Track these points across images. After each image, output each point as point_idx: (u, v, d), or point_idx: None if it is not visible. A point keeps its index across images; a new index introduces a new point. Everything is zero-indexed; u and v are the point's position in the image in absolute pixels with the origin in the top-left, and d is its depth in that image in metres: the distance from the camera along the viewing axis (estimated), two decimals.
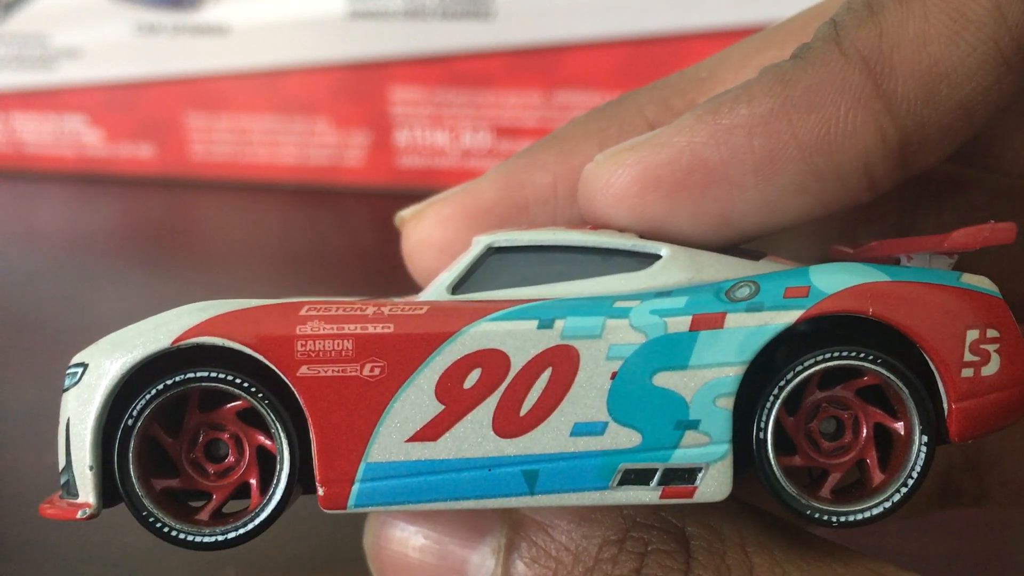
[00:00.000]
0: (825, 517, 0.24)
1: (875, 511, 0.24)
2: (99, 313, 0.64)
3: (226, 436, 0.25)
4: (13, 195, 0.80)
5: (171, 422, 0.25)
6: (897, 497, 0.24)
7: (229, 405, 0.25)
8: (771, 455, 0.24)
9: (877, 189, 0.26)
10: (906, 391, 0.25)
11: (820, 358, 0.25)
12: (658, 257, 0.26)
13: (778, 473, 0.24)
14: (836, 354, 0.25)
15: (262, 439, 0.25)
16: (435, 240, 0.30)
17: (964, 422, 0.24)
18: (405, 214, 0.32)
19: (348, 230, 0.75)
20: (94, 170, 0.79)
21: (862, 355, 0.25)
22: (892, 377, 0.25)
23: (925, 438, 0.25)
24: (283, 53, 0.73)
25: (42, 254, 0.74)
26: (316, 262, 0.70)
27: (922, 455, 0.24)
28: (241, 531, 0.25)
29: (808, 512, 0.24)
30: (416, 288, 0.29)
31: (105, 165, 0.79)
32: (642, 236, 0.26)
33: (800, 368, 0.25)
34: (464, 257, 0.26)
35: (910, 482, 0.24)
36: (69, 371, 0.26)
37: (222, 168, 0.77)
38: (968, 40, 0.25)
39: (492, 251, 0.27)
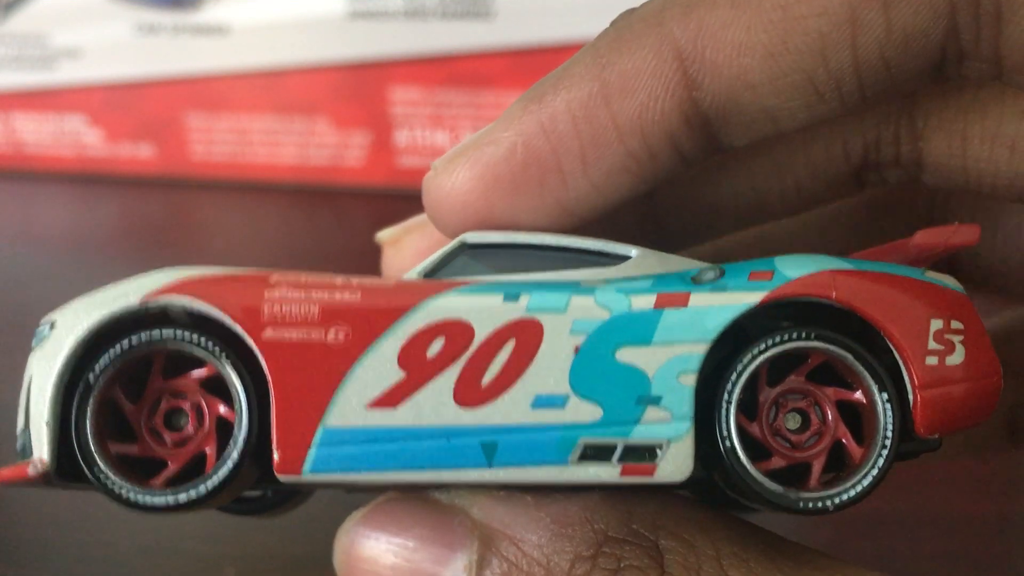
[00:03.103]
0: (820, 504, 0.24)
1: (865, 483, 0.24)
2: None
3: (187, 405, 0.25)
4: (13, 195, 0.80)
5: (134, 389, 0.25)
6: (881, 462, 0.24)
7: (194, 373, 0.25)
8: (744, 460, 0.24)
9: (690, 164, 0.27)
10: (849, 356, 0.25)
11: (757, 351, 0.25)
12: (628, 257, 0.26)
13: (758, 476, 0.24)
14: (771, 342, 0.25)
15: (222, 410, 0.25)
16: (408, 267, 0.30)
17: (930, 412, 0.24)
18: (384, 237, 0.32)
19: (348, 230, 0.75)
20: (94, 170, 0.79)
21: (795, 335, 0.25)
22: (831, 347, 0.24)
23: (885, 395, 0.24)
24: (283, 53, 0.73)
25: (42, 254, 0.74)
26: (316, 262, 0.70)
27: (889, 413, 0.24)
28: (192, 493, 0.24)
29: (801, 505, 0.24)
30: None
31: (105, 165, 0.79)
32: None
33: (741, 368, 0.24)
34: (439, 251, 0.27)
35: (887, 442, 0.24)
36: (38, 331, 0.25)
37: (222, 168, 0.77)
38: (782, 65, 0.25)
39: (466, 246, 0.27)
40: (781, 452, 0.25)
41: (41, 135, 0.79)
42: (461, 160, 0.27)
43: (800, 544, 0.25)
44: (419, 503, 0.26)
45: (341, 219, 0.75)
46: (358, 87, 0.73)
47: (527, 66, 0.69)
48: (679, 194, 0.32)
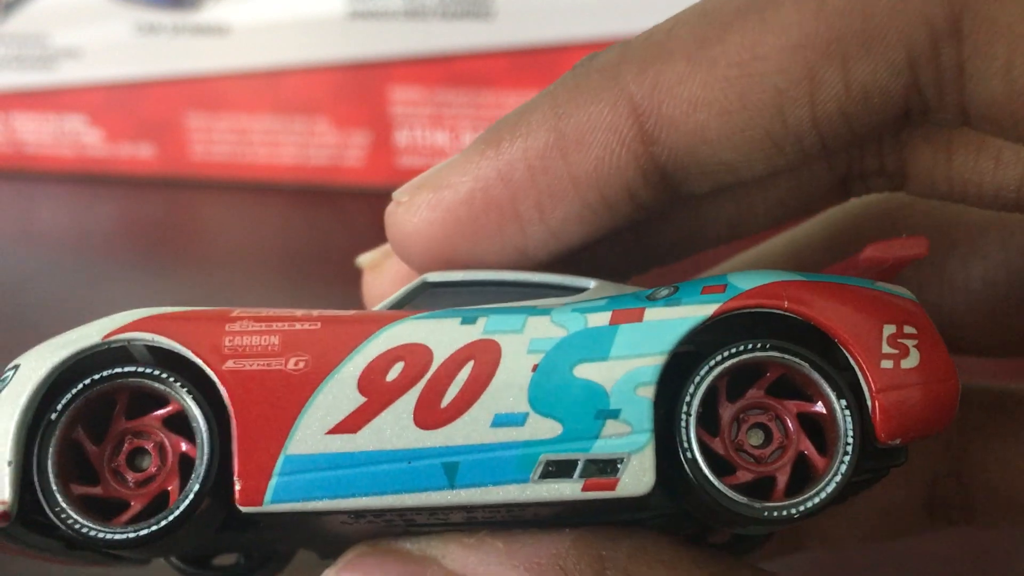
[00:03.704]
0: (784, 513, 0.24)
1: (828, 489, 0.24)
2: (99, 313, 0.64)
3: (150, 445, 0.25)
4: (13, 195, 0.80)
5: (97, 431, 0.25)
6: (843, 468, 0.24)
7: (156, 412, 0.25)
8: (706, 471, 0.24)
9: (647, 211, 0.27)
10: (805, 365, 0.25)
11: (713, 362, 0.25)
12: (586, 289, 0.27)
13: (721, 488, 0.24)
14: (727, 353, 0.25)
15: (185, 447, 0.25)
16: (388, 294, 0.30)
17: (889, 416, 0.24)
18: (364, 262, 0.32)
19: (348, 230, 0.75)
20: (94, 170, 0.79)
21: (750, 346, 0.25)
22: (786, 357, 0.25)
23: (843, 401, 0.24)
24: (283, 53, 0.73)
25: (42, 254, 0.74)
26: (316, 262, 0.70)
27: (848, 420, 0.24)
28: (154, 528, 0.24)
29: (766, 514, 0.24)
30: None
31: (105, 165, 0.79)
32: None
33: (699, 380, 0.24)
34: (402, 289, 0.27)
35: (848, 449, 0.24)
36: (3, 375, 0.25)
37: (222, 168, 0.77)
38: (738, 121, 0.25)
39: (427, 284, 0.27)
40: (745, 467, 0.25)
41: (41, 135, 0.79)
42: (422, 200, 0.28)
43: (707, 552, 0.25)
44: (390, 555, 0.26)
45: (341, 219, 0.75)
46: (358, 87, 0.73)
47: (527, 66, 0.69)
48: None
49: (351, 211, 0.75)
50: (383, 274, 0.31)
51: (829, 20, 0.24)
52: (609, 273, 0.32)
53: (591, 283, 0.27)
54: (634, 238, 0.32)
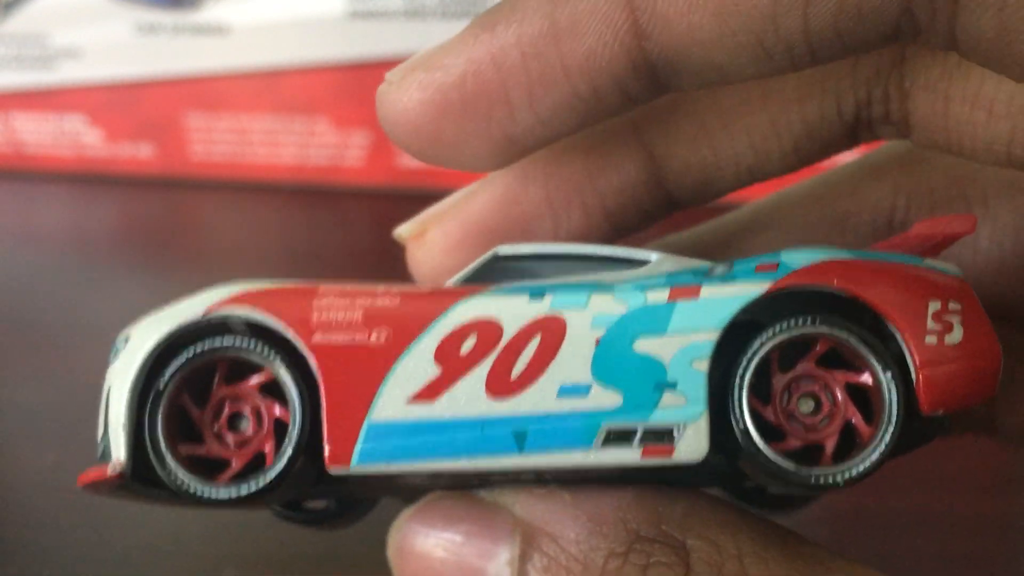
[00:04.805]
0: (831, 479, 0.25)
1: (873, 457, 0.25)
2: (99, 313, 0.64)
3: (247, 409, 0.27)
4: (13, 195, 0.80)
5: (200, 396, 0.27)
6: (888, 437, 0.25)
7: (252, 379, 0.27)
8: (757, 439, 0.25)
9: (635, 102, 0.28)
10: (853, 339, 0.26)
11: (766, 337, 0.26)
12: (648, 262, 0.28)
13: (771, 455, 0.25)
14: (779, 328, 0.26)
15: (279, 411, 0.27)
16: (438, 265, 0.31)
17: (932, 389, 0.25)
18: (405, 232, 0.32)
19: (348, 230, 0.75)
20: (94, 170, 0.79)
21: (801, 321, 0.26)
22: (835, 331, 0.26)
23: (889, 373, 0.26)
24: (283, 53, 0.73)
25: (42, 254, 0.74)
26: (316, 262, 0.70)
27: (893, 390, 0.25)
28: (252, 486, 0.26)
29: (813, 480, 0.25)
30: None
31: (105, 165, 0.79)
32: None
33: (752, 353, 0.26)
34: (473, 263, 0.29)
35: (893, 418, 0.25)
36: (115, 346, 0.28)
37: (222, 168, 0.77)
38: (731, 25, 0.25)
39: (498, 258, 0.28)
40: (795, 433, 0.26)
41: (41, 135, 0.79)
42: (413, 80, 0.28)
43: (818, 545, 0.26)
44: (465, 501, 0.27)
45: (341, 219, 0.75)
46: (358, 87, 0.73)
47: None
48: (681, 156, 0.32)
49: (351, 211, 0.75)
50: (427, 244, 0.31)
51: None
52: (629, 219, 0.33)
53: (653, 256, 0.28)
54: (654, 182, 0.33)
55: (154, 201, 0.78)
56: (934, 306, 0.26)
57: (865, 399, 0.26)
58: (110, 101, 0.77)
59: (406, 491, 0.30)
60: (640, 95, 0.28)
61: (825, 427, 0.26)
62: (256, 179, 0.77)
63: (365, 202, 0.75)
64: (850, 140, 0.33)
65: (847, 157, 0.35)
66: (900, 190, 0.34)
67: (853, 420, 0.26)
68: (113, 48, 0.76)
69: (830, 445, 0.26)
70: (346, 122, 0.74)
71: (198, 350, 0.27)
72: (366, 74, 0.73)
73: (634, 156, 0.32)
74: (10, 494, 0.49)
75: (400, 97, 0.28)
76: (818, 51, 0.26)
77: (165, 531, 0.46)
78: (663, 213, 0.34)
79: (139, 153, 0.78)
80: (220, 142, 0.77)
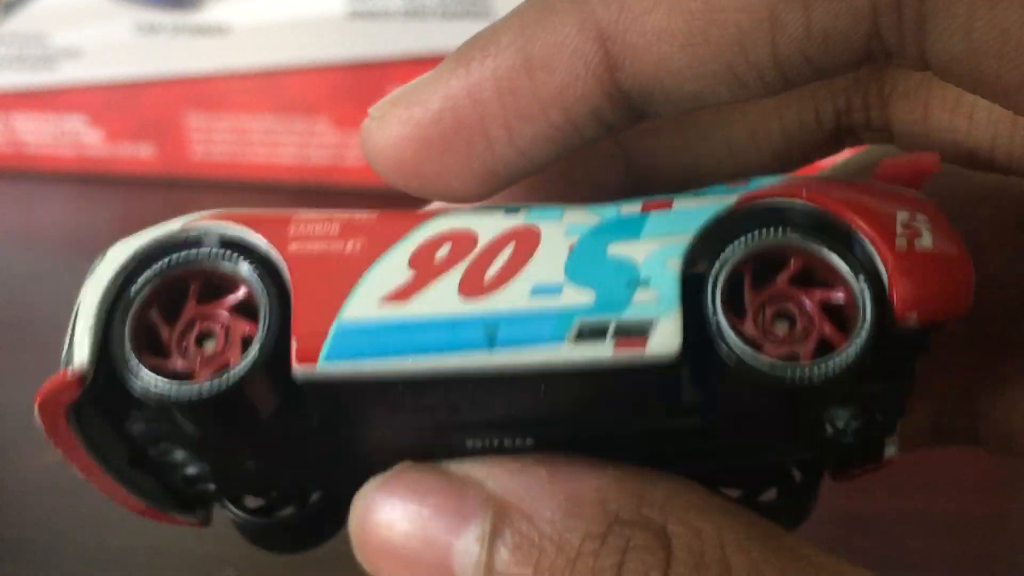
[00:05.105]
0: (807, 373, 0.25)
1: (849, 352, 0.25)
2: None
3: (218, 328, 0.27)
4: (13, 195, 0.80)
5: (169, 315, 0.27)
6: (862, 337, 0.25)
7: (228, 299, 0.27)
8: (730, 334, 0.25)
9: (613, 131, 0.28)
10: (824, 248, 0.26)
11: (738, 244, 0.26)
12: None
13: (747, 349, 0.25)
14: (750, 237, 0.26)
15: (248, 330, 0.26)
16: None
17: (904, 290, 0.25)
18: (372, 111, 0.32)
19: None
20: (94, 170, 0.79)
21: (772, 231, 0.26)
22: (806, 241, 0.26)
23: (861, 277, 0.25)
24: (283, 53, 0.73)
25: (42, 253, 0.74)
26: None
27: (866, 293, 0.25)
28: (218, 386, 0.25)
29: (788, 375, 0.25)
30: None
31: (105, 165, 0.79)
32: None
33: (724, 259, 0.26)
34: None
35: (868, 319, 0.25)
36: (92, 265, 0.27)
37: (222, 168, 0.77)
38: (701, 54, 0.25)
39: None
40: (771, 343, 0.26)
41: (41, 135, 0.79)
42: (393, 116, 0.28)
43: (806, 541, 0.26)
44: (434, 473, 0.27)
45: None
46: (358, 87, 0.73)
47: None
48: (661, 166, 0.33)
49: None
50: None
51: None
52: None
53: None
54: (632, 189, 0.32)
55: (154, 201, 0.78)
56: (902, 216, 0.26)
57: (840, 321, 0.26)
58: (110, 101, 0.77)
59: (374, 444, 0.29)
60: (617, 123, 0.28)
61: (801, 342, 0.26)
62: (256, 179, 0.77)
63: (365, 202, 0.75)
64: (833, 146, 0.33)
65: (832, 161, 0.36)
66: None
67: (828, 335, 0.26)
68: (113, 48, 0.76)
69: (805, 352, 0.26)
70: (346, 122, 0.74)
71: (172, 261, 0.26)
72: (366, 74, 0.73)
73: (614, 164, 0.32)
74: (10, 494, 0.49)
75: (382, 133, 0.29)
76: (790, 77, 0.26)
77: (165, 531, 0.46)
78: None
79: (139, 153, 0.78)
80: (220, 142, 0.77)
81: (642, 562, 0.24)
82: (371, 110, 0.29)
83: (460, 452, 0.27)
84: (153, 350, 0.26)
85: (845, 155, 0.36)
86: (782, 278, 0.26)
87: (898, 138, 0.31)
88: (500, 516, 0.25)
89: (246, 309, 0.27)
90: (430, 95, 0.28)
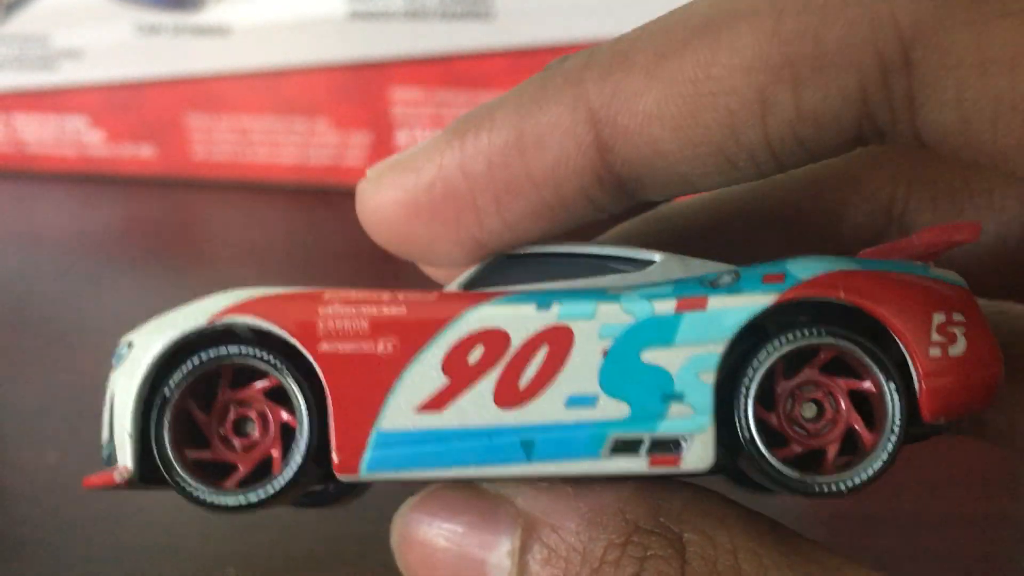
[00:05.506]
0: (834, 487, 0.26)
1: (875, 465, 0.26)
2: (100, 312, 0.64)
3: (253, 413, 0.27)
4: (15, 195, 0.80)
5: (204, 401, 0.27)
6: (890, 446, 0.26)
7: (257, 384, 0.27)
8: (762, 448, 0.26)
9: (604, 212, 0.28)
10: (858, 350, 0.26)
11: (772, 348, 0.26)
12: (652, 262, 0.28)
13: (775, 463, 0.26)
14: (785, 339, 0.26)
15: (285, 416, 0.27)
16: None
17: (935, 400, 0.26)
18: (369, 172, 0.32)
19: (348, 230, 0.75)
20: (95, 170, 0.79)
21: (808, 332, 0.26)
22: (841, 343, 0.26)
23: (892, 384, 0.26)
24: (284, 54, 0.73)
25: (43, 253, 0.74)
26: (316, 262, 0.70)
27: (897, 401, 0.26)
28: (262, 493, 0.26)
29: (816, 488, 0.26)
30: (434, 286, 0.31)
31: (106, 165, 0.79)
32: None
33: (757, 364, 0.26)
34: (478, 264, 0.29)
35: (896, 429, 0.26)
36: (117, 351, 0.28)
37: (223, 168, 0.78)
38: (692, 137, 0.26)
39: (503, 257, 0.29)
40: (797, 439, 0.26)
41: (43, 135, 0.79)
42: (388, 180, 0.29)
43: (815, 542, 0.26)
44: (467, 492, 0.28)
45: (341, 219, 0.75)
46: (358, 87, 0.73)
47: (527, 66, 0.69)
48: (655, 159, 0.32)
49: (352, 211, 0.75)
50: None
51: (782, 44, 0.25)
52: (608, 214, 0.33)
53: (657, 256, 0.28)
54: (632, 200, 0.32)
55: (155, 201, 0.78)
56: (938, 318, 0.26)
57: (865, 403, 0.27)
58: (111, 102, 0.77)
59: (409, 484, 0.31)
60: (607, 204, 0.28)
61: (827, 432, 0.26)
62: (257, 179, 0.77)
63: None
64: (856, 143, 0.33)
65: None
66: (900, 180, 0.34)
67: (856, 426, 0.26)
68: (114, 49, 0.76)
69: (832, 451, 0.26)
70: (346, 122, 0.74)
71: (204, 358, 0.27)
72: (366, 75, 0.73)
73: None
74: (12, 493, 0.49)
75: (375, 196, 0.29)
76: (782, 158, 0.26)
77: (165, 531, 0.46)
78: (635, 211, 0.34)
79: (140, 153, 0.78)
80: (221, 142, 0.77)
81: (658, 570, 0.25)
82: (368, 171, 0.30)
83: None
84: (191, 439, 0.27)
85: None
86: (813, 368, 0.27)
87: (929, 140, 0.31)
88: (529, 531, 0.26)
89: (278, 392, 0.27)
90: (424, 163, 0.28)
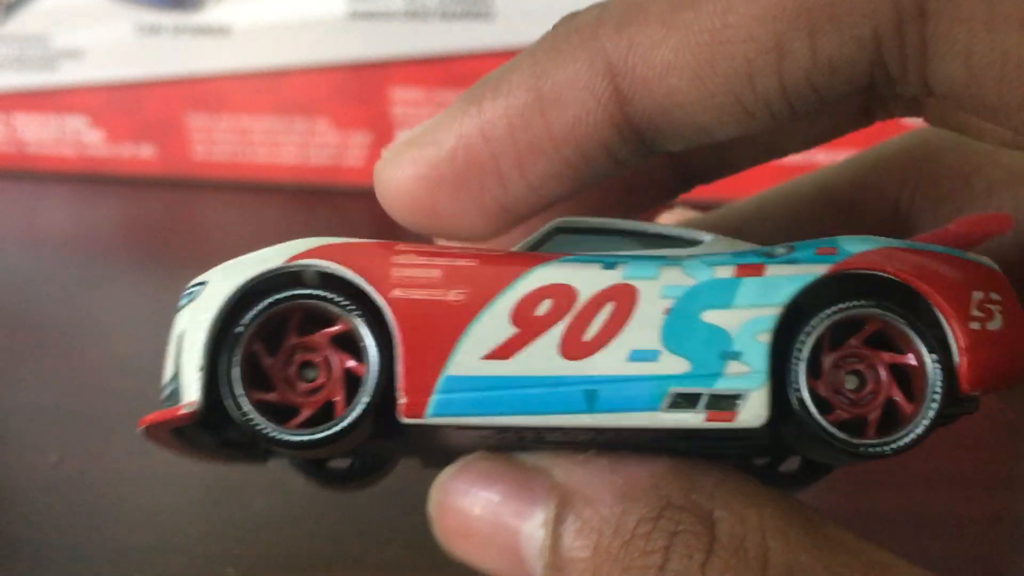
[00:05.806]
0: (878, 449, 0.27)
1: (918, 430, 0.27)
2: (100, 312, 0.64)
3: (318, 359, 0.28)
4: (15, 195, 0.80)
5: (270, 344, 0.28)
6: (931, 413, 0.27)
7: (326, 330, 0.27)
8: (812, 409, 0.27)
9: (625, 166, 0.29)
10: (903, 321, 0.27)
11: (825, 315, 0.27)
12: (701, 242, 0.29)
13: (825, 424, 0.27)
14: (839, 307, 0.27)
15: (350, 364, 0.27)
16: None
17: (974, 371, 0.27)
18: (385, 153, 0.32)
19: (348, 230, 0.75)
20: (96, 170, 0.79)
21: (859, 303, 0.27)
22: (887, 314, 0.27)
23: (934, 355, 0.27)
24: (284, 54, 0.73)
25: (44, 253, 0.74)
26: None
27: (938, 371, 0.27)
28: (328, 432, 0.27)
29: (862, 450, 0.27)
30: None
31: (107, 165, 0.79)
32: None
33: (811, 328, 0.27)
34: (535, 232, 0.29)
35: (936, 397, 0.27)
36: (187, 291, 0.28)
37: (223, 168, 0.78)
38: (709, 87, 0.26)
39: (558, 230, 0.29)
40: (842, 407, 0.27)
41: (43, 135, 0.79)
42: (406, 157, 0.29)
43: (844, 528, 0.27)
44: (504, 462, 0.28)
45: (341, 219, 0.75)
46: (359, 88, 0.73)
47: None
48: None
49: (351, 211, 0.75)
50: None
51: None
52: (640, 196, 0.33)
53: (705, 236, 0.29)
54: (668, 161, 0.33)
55: (155, 201, 0.78)
56: (977, 296, 0.27)
57: (905, 379, 0.28)
58: (111, 102, 0.77)
59: (438, 451, 0.31)
60: (628, 158, 0.28)
61: (869, 402, 0.27)
62: (257, 179, 0.77)
63: (366, 202, 0.75)
64: (864, 119, 0.33)
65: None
66: (906, 182, 0.35)
67: (896, 397, 0.27)
68: (114, 49, 0.76)
69: (874, 418, 0.27)
70: (347, 122, 0.74)
71: (279, 296, 0.27)
72: (366, 74, 0.73)
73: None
74: (12, 493, 0.49)
75: (395, 173, 0.29)
76: (797, 106, 0.26)
77: (165, 531, 0.46)
78: (680, 189, 0.34)
79: (140, 153, 0.78)
80: (221, 142, 0.77)
81: (687, 545, 0.26)
82: (384, 151, 0.30)
83: (529, 446, 0.29)
84: (257, 382, 0.28)
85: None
86: (857, 340, 0.28)
87: (929, 113, 0.31)
88: (564, 503, 0.27)
89: (343, 339, 0.27)
90: (443, 134, 0.28)
